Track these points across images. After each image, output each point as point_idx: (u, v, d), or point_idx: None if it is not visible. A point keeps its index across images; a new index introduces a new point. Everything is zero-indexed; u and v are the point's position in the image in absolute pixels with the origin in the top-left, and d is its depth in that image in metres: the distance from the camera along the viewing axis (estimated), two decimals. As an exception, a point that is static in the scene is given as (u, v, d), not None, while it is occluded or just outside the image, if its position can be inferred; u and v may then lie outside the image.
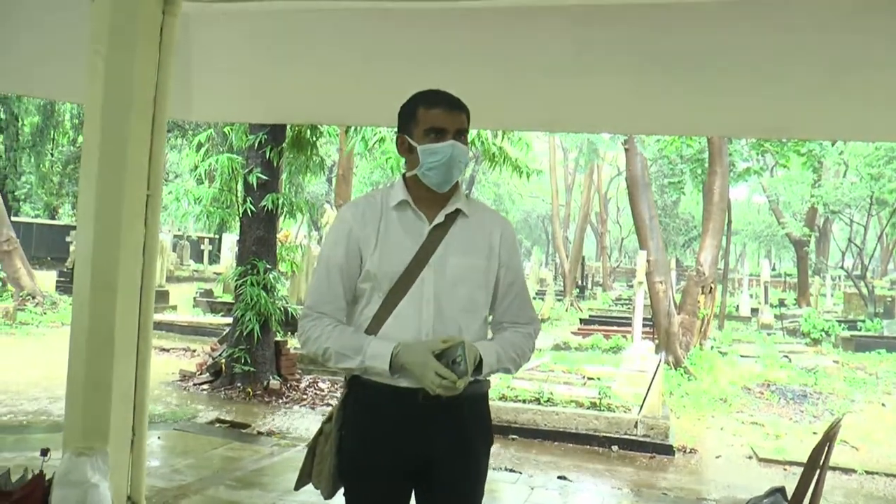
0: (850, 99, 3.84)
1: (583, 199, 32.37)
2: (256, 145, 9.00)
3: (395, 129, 2.34)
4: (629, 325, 14.15)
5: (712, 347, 14.57)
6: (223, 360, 9.22)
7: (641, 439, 7.51)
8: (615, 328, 17.08)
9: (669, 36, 3.36)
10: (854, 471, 7.15)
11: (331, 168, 24.60)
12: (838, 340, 17.27)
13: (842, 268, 28.80)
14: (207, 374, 9.37)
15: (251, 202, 9.06)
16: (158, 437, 6.34)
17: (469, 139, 2.48)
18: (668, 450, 7.42)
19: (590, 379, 9.88)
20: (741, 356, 14.42)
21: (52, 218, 31.15)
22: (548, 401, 8.06)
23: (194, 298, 18.59)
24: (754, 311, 23.77)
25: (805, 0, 3.06)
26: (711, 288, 13.56)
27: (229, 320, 10.60)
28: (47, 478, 2.73)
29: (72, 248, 21.91)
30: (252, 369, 8.97)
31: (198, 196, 9.53)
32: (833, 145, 15.67)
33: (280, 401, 8.74)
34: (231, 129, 9.56)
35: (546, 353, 13.13)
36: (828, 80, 3.63)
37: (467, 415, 2.25)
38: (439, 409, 2.15)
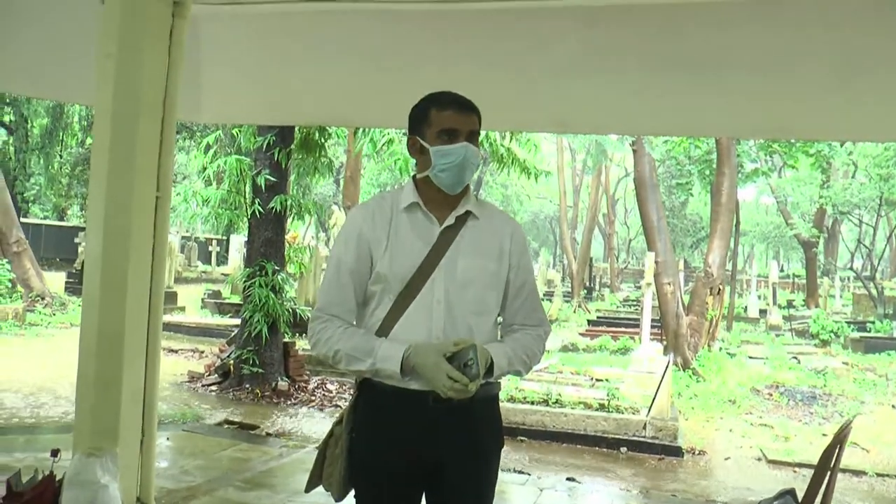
0: (859, 99, 3.82)
1: (590, 200, 32.29)
2: (265, 147, 9.01)
3: (404, 131, 2.34)
4: (637, 326, 14.13)
5: (721, 349, 14.53)
6: (231, 362, 9.24)
7: (650, 441, 7.49)
8: (623, 329, 17.04)
9: (677, 37, 3.35)
10: (865, 473, 7.13)
11: (339, 170, 24.58)
12: (847, 342, 17.20)
13: (851, 269, 28.70)
14: (216, 375, 9.38)
15: (259, 204, 9.07)
16: (167, 439, 6.34)
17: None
18: (676, 451, 7.40)
19: (598, 380, 9.87)
20: (749, 357, 14.37)
21: (61, 219, 31.26)
22: (556, 402, 8.05)
23: (202, 300, 18.61)
24: (763, 312, 23.67)
25: (813, 0, 3.05)
26: (720, 289, 13.54)
27: (237, 321, 10.61)
28: (57, 478, 2.73)
29: (80, 249, 22.00)
30: (260, 370, 8.98)
31: (206, 197, 9.55)
32: (842, 146, 15.61)
33: (288, 402, 8.75)
34: (239, 131, 9.57)
35: (554, 355, 13.11)
36: (836, 81, 3.61)
37: (478, 417, 2.24)
38: (450, 412, 2.14)
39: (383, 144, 10.19)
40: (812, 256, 27.38)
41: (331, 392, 9.37)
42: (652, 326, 11.07)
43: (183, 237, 31.26)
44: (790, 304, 25.85)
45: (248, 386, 8.95)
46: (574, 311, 23.68)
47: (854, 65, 3.43)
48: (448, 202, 2.26)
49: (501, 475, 2.40)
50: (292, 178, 9.79)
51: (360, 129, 10.29)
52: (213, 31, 3.57)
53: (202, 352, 11.94)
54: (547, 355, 12.23)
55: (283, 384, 9.06)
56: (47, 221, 30.50)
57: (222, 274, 26.47)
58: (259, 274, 9.05)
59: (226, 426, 7.35)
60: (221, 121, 9.26)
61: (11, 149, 27.99)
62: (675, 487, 6.48)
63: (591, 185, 32.84)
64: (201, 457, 5.93)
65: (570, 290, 28.47)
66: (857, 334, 17.63)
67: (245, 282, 9.23)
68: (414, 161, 2.34)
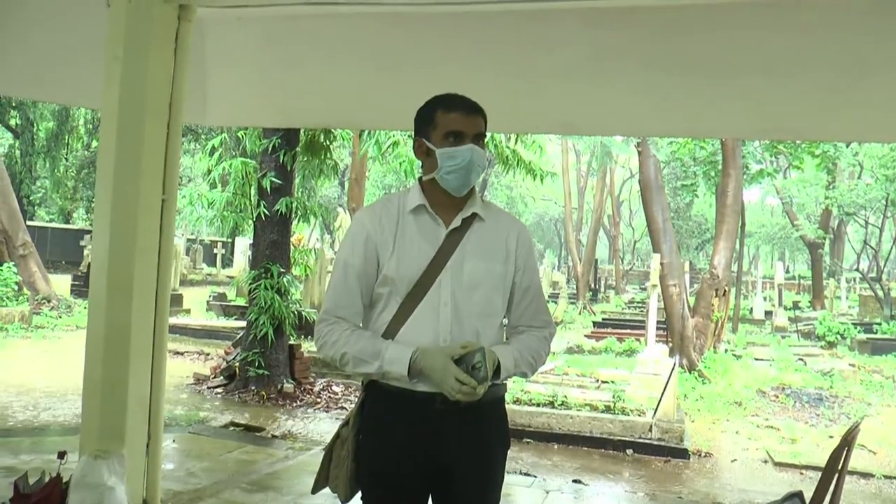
0: (864, 100, 3.82)
1: (595, 201, 32.30)
2: (270, 149, 9.03)
3: (409, 133, 2.34)
4: (642, 328, 14.11)
5: (726, 350, 14.50)
6: (237, 364, 9.24)
7: (656, 443, 7.48)
8: (628, 331, 17.03)
9: (682, 38, 3.35)
10: (872, 475, 7.10)
11: (344, 172, 24.63)
12: (854, 343, 17.14)
13: (857, 270, 28.58)
14: (221, 377, 9.40)
15: (265, 206, 9.08)
16: (173, 441, 6.35)
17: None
18: (682, 453, 7.38)
19: (604, 382, 9.85)
20: (755, 359, 14.32)
21: (67, 222, 31.33)
22: (562, 404, 8.04)
23: (207, 302, 18.65)
24: (768, 313, 23.62)
25: (819, 2, 3.04)
26: (725, 291, 13.50)
27: (243, 324, 10.63)
28: (64, 480, 2.74)
29: (86, 252, 22.08)
30: (266, 373, 8.99)
31: (211, 200, 9.57)
32: (847, 147, 15.55)
33: (294, 404, 8.76)
34: (244, 134, 9.59)
35: (560, 357, 13.11)
36: (842, 82, 3.61)
37: (484, 418, 2.24)
38: (457, 414, 2.14)
39: (388, 147, 10.19)
40: (818, 258, 27.30)
41: (336, 394, 9.37)
42: (657, 328, 11.05)
43: (188, 240, 31.35)
44: (796, 306, 25.78)
45: (253, 388, 8.96)
46: (579, 313, 23.67)
47: (860, 65, 3.43)
48: (454, 204, 2.26)
49: (508, 477, 2.40)
50: (297, 180, 9.79)
51: (366, 132, 10.29)
52: (219, 34, 3.57)
53: (207, 354, 11.96)
54: (552, 357, 12.23)
55: (288, 386, 9.07)
56: (53, 224, 30.59)
57: (227, 276, 26.55)
58: (264, 276, 9.06)
59: (231, 428, 7.35)
60: (227, 123, 9.29)
61: (18, 152, 28.06)
62: (682, 490, 6.46)
63: (596, 186, 32.84)
64: (207, 459, 5.93)
65: (575, 291, 28.48)
66: (863, 336, 17.57)
67: (250, 284, 9.24)
68: (419, 163, 2.34)
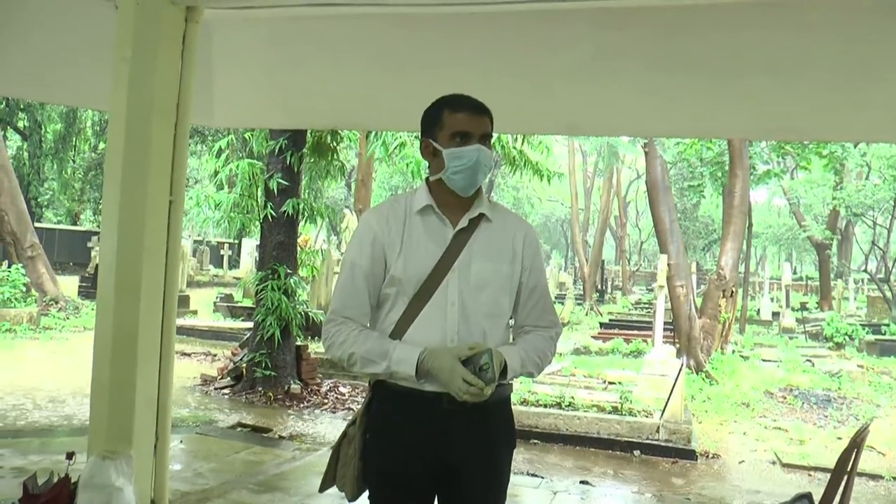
0: (872, 100, 3.79)
1: (602, 202, 32.23)
2: (277, 151, 9.04)
3: (416, 134, 2.35)
4: (649, 329, 14.08)
5: (734, 351, 14.46)
6: (244, 365, 9.26)
7: (663, 444, 7.46)
8: (635, 332, 17.00)
9: (688, 38, 3.34)
10: (881, 477, 7.07)
11: (350, 173, 24.65)
12: (862, 344, 17.08)
13: (865, 271, 28.43)
14: (228, 378, 9.42)
15: (271, 207, 9.10)
16: (181, 441, 6.37)
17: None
18: (690, 455, 7.37)
19: (611, 383, 9.84)
20: (763, 360, 14.27)
21: (74, 224, 31.46)
22: (569, 405, 8.03)
23: (214, 303, 18.69)
24: (775, 314, 23.52)
25: (824, 1, 3.03)
26: (732, 291, 13.47)
27: (250, 325, 10.65)
28: (72, 481, 2.75)
29: (93, 253, 22.15)
30: (273, 374, 9.00)
31: (218, 201, 9.59)
32: (855, 147, 15.52)
33: (301, 405, 8.77)
34: (251, 135, 9.61)
35: (567, 358, 13.09)
36: (849, 81, 3.59)
37: (490, 418, 2.25)
38: (463, 413, 2.15)
39: (395, 147, 10.20)
40: (825, 258, 27.21)
41: (343, 395, 9.38)
42: (664, 329, 11.03)
43: (195, 241, 31.40)
44: (803, 307, 25.70)
45: (260, 389, 8.97)
46: (586, 314, 23.63)
47: (866, 65, 3.41)
48: (461, 205, 2.26)
49: (515, 478, 2.40)
50: (304, 181, 9.81)
51: (373, 133, 10.30)
52: (226, 35, 3.58)
53: (215, 355, 11.99)
54: (559, 358, 12.22)
55: (295, 387, 9.08)
56: (61, 226, 30.69)
57: (234, 278, 26.60)
58: (271, 277, 9.07)
59: (239, 429, 7.37)
60: (234, 125, 9.30)
61: (26, 154, 28.22)
62: (690, 491, 6.45)
63: (602, 187, 32.78)
64: (214, 459, 5.94)
65: (581, 292, 28.43)
66: (871, 337, 17.50)
67: (257, 285, 9.26)
68: (426, 164, 2.34)
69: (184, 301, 17.03)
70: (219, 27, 3.45)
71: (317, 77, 4.18)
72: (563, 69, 3.75)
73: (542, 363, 2.31)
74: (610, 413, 7.90)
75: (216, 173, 9.96)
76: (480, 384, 2.05)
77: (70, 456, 2.89)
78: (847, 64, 3.43)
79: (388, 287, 2.23)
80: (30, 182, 27.40)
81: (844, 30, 3.14)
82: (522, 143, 10.49)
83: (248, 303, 16.78)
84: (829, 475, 3.36)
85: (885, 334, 18.23)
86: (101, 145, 27.26)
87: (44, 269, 16.76)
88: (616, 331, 17.71)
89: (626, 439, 7.55)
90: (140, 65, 2.80)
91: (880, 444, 7.95)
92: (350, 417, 2.39)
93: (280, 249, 9.24)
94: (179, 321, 12.19)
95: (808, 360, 14.24)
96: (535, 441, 7.56)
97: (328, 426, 7.92)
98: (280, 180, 9.02)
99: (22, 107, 26.22)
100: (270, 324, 8.95)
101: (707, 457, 7.56)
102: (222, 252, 30.66)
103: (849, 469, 3.22)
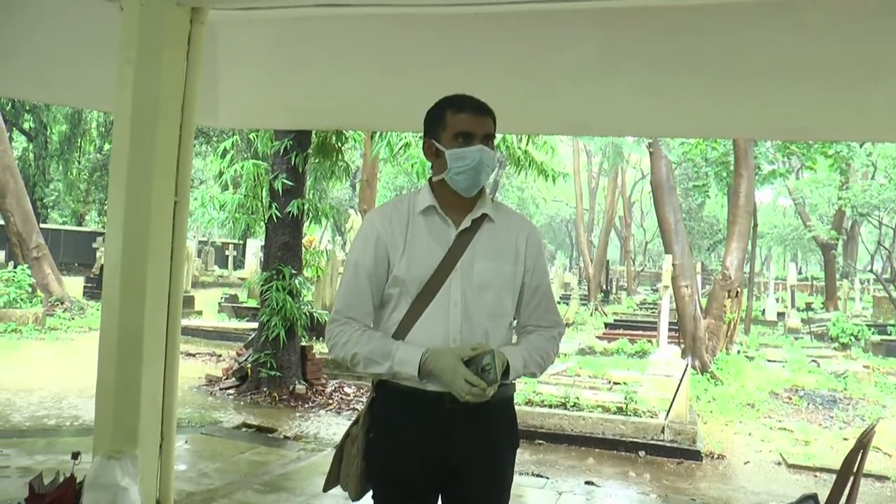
0: (875, 99, 3.79)
1: (607, 202, 32.20)
2: (282, 151, 9.06)
3: (420, 135, 2.34)
4: (654, 329, 14.06)
5: (739, 352, 14.44)
6: (249, 365, 9.27)
7: (668, 445, 7.45)
8: (640, 333, 16.97)
9: (692, 38, 3.34)
10: (888, 478, 7.04)
11: (355, 173, 24.66)
12: (868, 345, 17.03)
13: (870, 271, 28.42)
14: (233, 378, 9.43)
15: (276, 208, 9.11)
16: (186, 442, 6.38)
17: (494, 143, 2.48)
18: (695, 455, 7.35)
19: (616, 384, 9.84)
20: (768, 361, 14.25)
21: (79, 224, 31.52)
22: (574, 406, 8.02)
23: (219, 304, 18.71)
24: (781, 315, 23.48)
25: (828, 1, 3.02)
26: (737, 292, 13.45)
27: (254, 325, 10.66)
28: (78, 481, 2.76)
29: (98, 254, 22.20)
30: (278, 374, 9.01)
31: (223, 202, 9.61)
32: (861, 146, 15.45)
33: (306, 405, 8.78)
34: (256, 136, 9.63)
35: (571, 358, 13.08)
36: (853, 81, 3.58)
37: (493, 418, 2.25)
38: (465, 413, 2.15)
39: (400, 148, 10.20)
40: (831, 259, 27.13)
41: (348, 395, 9.39)
42: (669, 329, 11.01)
43: (200, 242, 31.45)
44: (809, 307, 25.64)
45: (265, 389, 8.98)
46: (591, 315, 23.61)
47: (870, 65, 3.40)
48: (464, 205, 2.27)
49: (520, 479, 2.40)
50: (309, 182, 9.81)
51: (377, 133, 10.31)
52: (231, 36, 3.58)
53: (219, 355, 12.01)
54: (564, 359, 12.22)
55: (300, 387, 9.09)
56: (66, 227, 30.77)
57: (239, 278, 26.63)
58: (276, 278, 9.08)
59: (243, 429, 7.38)
60: (239, 125, 9.30)
61: (31, 155, 28.30)
62: (695, 492, 6.43)
63: (607, 187, 32.74)
64: (219, 460, 5.95)
65: (586, 293, 28.40)
66: (877, 337, 17.45)
67: (262, 286, 9.27)
68: (430, 164, 2.34)
69: (189, 301, 17.07)
70: (223, 28, 3.46)
71: (321, 78, 4.19)
72: (567, 69, 3.75)
73: (544, 363, 2.32)
74: (615, 413, 7.89)
75: (221, 174, 9.97)
76: (483, 385, 2.05)
77: (75, 456, 2.90)
78: (850, 64, 3.42)
79: (392, 287, 2.23)
80: (35, 183, 27.47)
81: (847, 30, 3.14)
82: (527, 144, 10.49)
83: (253, 303, 16.80)
84: (834, 476, 3.35)
85: (890, 335, 18.18)
86: (107, 146, 27.31)
87: (49, 269, 16.82)
88: (621, 331, 17.69)
89: (631, 440, 7.53)
90: (145, 66, 2.81)
91: (886, 445, 7.91)
92: (354, 417, 2.39)
93: (285, 250, 9.25)
94: (184, 321, 12.22)
95: (813, 361, 14.20)
96: (541, 441, 7.56)
97: (333, 426, 7.92)
98: (285, 181, 9.03)
99: (28, 108, 26.31)
100: (275, 324, 8.96)
101: (712, 457, 7.55)
102: (227, 253, 30.68)
103: (855, 470, 3.21)
